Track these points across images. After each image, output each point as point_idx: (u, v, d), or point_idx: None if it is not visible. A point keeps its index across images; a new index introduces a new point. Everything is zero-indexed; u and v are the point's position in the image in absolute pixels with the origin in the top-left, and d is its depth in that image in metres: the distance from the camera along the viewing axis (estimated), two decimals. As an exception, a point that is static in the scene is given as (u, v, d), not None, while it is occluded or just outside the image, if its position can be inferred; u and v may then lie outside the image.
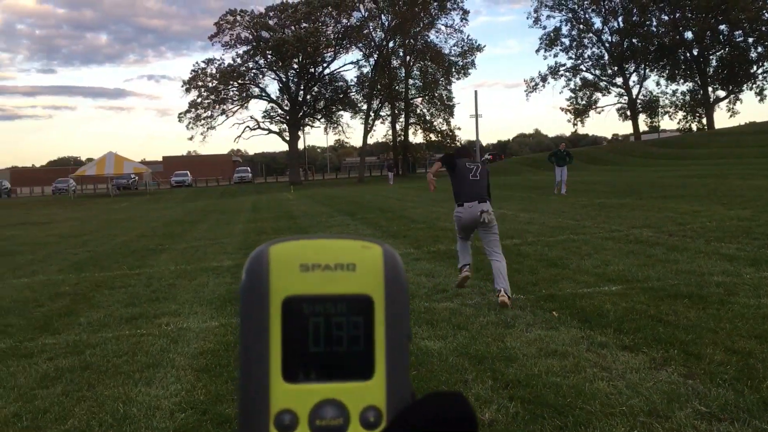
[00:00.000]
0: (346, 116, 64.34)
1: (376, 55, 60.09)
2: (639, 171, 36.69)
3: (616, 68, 69.51)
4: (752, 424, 3.46)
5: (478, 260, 8.98)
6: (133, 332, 6.15)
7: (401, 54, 62.30)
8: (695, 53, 66.68)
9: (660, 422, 3.54)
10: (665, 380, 4.14)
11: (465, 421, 0.40)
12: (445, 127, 63.05)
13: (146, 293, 8.06)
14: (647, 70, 69.77)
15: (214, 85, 57.83)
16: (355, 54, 79.28)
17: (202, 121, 58.42)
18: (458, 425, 0.40)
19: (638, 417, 3.62)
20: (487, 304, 6.47)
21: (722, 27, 64.62)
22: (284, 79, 60.39)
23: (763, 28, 61.37)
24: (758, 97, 67.16)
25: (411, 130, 64.59)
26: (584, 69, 70.69)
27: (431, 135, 63.51)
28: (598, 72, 70.82)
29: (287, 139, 61.51)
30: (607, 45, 69.38)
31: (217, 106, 58.53)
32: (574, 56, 70.39)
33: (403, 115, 63.64)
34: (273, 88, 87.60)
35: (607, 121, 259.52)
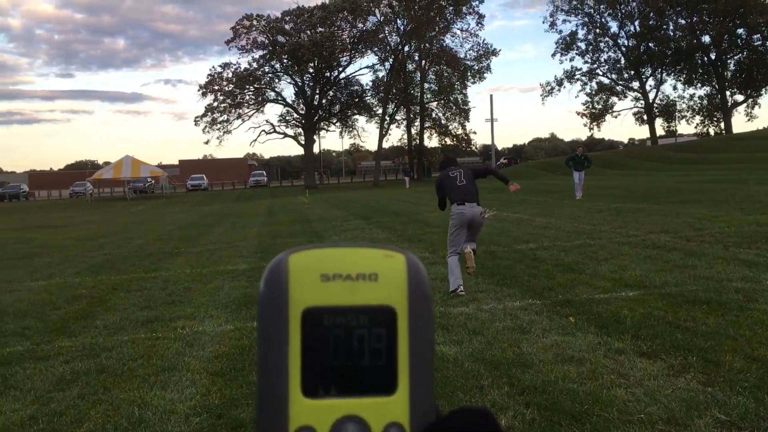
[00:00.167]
0: (361, 120, 64.77)
1: (391, 60, 60.16)
2: (656, 176, 36.42)
3: (632, 72, 69.11)
4: (774, 434, 3.40)
5: (494, 265, 8.94)
6: (149, 335, 6.17)
7: (416, 58, 62.37)
8: (713, 57, 66.16)
9: (679, 430, 3.49)
10: (684, 387, 4.09)
11: None
12: (460, 131, 63.04)
13: (162, 296, 8.09)
14: (664, 74, 69.34)
15: (230, 89, 58.16)
16: (370, 58, 79.63)
17: (218, 125, 58.77)
18: None
19: (657, 425, 3.57)
20: (503, 309, 6.43)
21: (740, 31, 64.08)
22: (300, 83, 60.61)
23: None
24: (777, 101, 66.48)
25: (426, 134, 64.64)
26: (600, 73, 70.39)
27: (446, 139, 63.46)
28: (614, 76, 70.46)
29: (303, 142, 61.69)
30: (623, 49, 69.03)
31: (233, 110, 58.86)
32: (590, 60, 70.11)
33: (418, 119, 63.66)
34: (289, 92, 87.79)
35: (623, 126, 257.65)
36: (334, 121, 64.22)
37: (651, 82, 69.90)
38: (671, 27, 67.23)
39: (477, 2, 61.12)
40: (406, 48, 61.10)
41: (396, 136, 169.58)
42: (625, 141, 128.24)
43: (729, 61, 66.41)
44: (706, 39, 65.72)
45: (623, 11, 67.44)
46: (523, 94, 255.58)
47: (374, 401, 0.40)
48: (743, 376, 4.20)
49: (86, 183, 61.69)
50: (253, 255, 11.61)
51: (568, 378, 4.37)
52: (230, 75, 58.27)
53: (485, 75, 63.46)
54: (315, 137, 64.23)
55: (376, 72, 62.94)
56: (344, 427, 0.39)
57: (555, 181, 37.03)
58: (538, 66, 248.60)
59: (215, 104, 58.22)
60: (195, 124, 59.81)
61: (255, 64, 58.97)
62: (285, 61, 58.32)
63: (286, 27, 58.33)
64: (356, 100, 62.54)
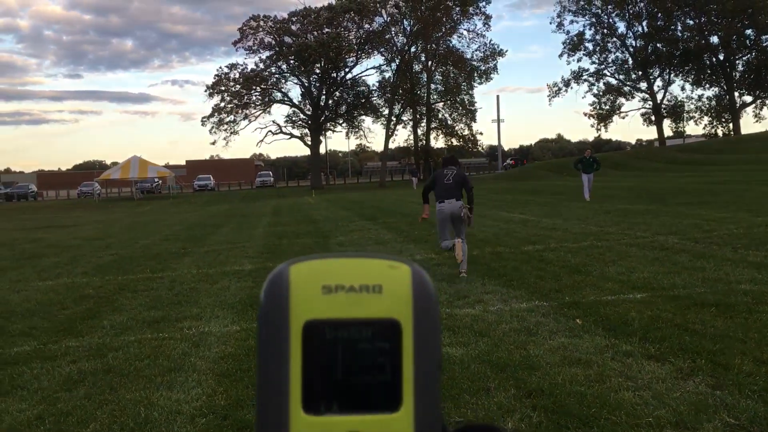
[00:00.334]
0: (367, 121, 64.49)
1: (398, 60, 60.14)
2: (663, 177, 36.28)
3: (640, 73, 68.84)
4: (783, 438, 3.37)
5: (500, 266, 8.92)
6: (155, 336, 6.17)
7: (423, 59, 62.31)
8: (721, 58, 65.86)
9: (687, 434, 3.47)
10: (692, 391, 4.06)
11: None
12: (466, 132, 62.93)
13: (168, 297, 8.10)
14: (672, 75, 69.02)
15: (237, 89, 58.26)
16: (377, 59, 79.62)
17: (225, 126, 58.89)
18: None
19: (665, 428, 3.55)
20: (509, 311, 6.41)
21: (749, 31, 63.75)
22: (306, 84, 60.68)
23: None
24: (786, 102, 66.20)
25: (432, 135, 64.53)
26: (608, 74, 70.10)
27: (453, 140, 63.36)
28: (622, 77, 70.18)
29: (309, 143, 61.75)
30: (631, 49, 68.78)
31: (240, 111, 58.96)
32: (597, 61, 69.84)
33: (424, 120, 63.59)
34: (295, 92, 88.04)
35: (631, 127, 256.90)
36: (341, 122, 64.23)
37: (659, 82, 69.67)
38: (679, 27, 66.96)
39: (484, 3, 60.97)
40: (413, 48, 61.09)
41: (402, 136, 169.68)
42: (633, 142, 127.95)
43: (737, 61, 66.08)
44: (715, 39, 65.45)
45: (631, 12, 67.21)
46: (530, 95, 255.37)
47: (378, 418, 0.38)
48: (752, 380, 4.17)
49: (94, 183, 61.96)
50: (260, 255, 11.61)
51: (575, 381, 4.35)
52: (237, 76, 58.41)
53: (492, 76, 63.30)
54: (321, 138, 64.31)
55: (382, 73, 62.98)
56: None
57: (562, 182, 36.93)
58: (545, 67, 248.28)
59: (222, 105, 58.35)
60: (202, 125, 60.02)
61: (262, 65, 59.08)
62: (291, 61, 58.41)
63: (293, 28, 58.42)
64: (363, 100, 62.54)
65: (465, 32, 65.58)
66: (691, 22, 65.85)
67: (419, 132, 64.09)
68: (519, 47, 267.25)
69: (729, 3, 59.21)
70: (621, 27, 69.62)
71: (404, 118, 63.43)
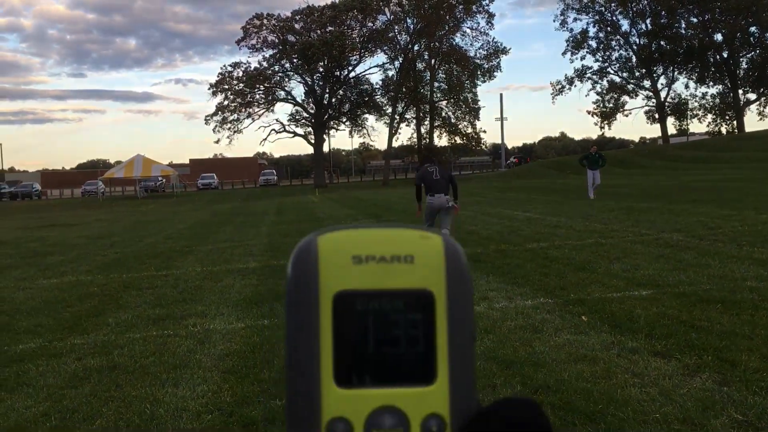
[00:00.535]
0: (371, 119, 64.56)
1: (401, 58, 60.06)
2: (667, 174, 36.20)
3: (644, 71, 68.69)
4: (791, 434, 3.36)
5: (505, 263, 8.91)
6: (161, 333, 6.17)
7: (426, 57, 62.22)
8: (725, 55, 65.68)
9: (695, 430, 3.46)
10: (699, 387, 4.05)
11: (540, 430, 0.36)
12: (470, 130, 62.82)
13: (173, 294, 8.10)
14: (676, 73, 68.84)
15: (240, 88, 58.28)
16: (380, 57, 79.54)
17: (229, 124, 58.91)
18: None
19: (672, 425, 3.53)
20: (514, 308, 6.39)
21: (752, 29, 63.57)
22: (310, 83, 60.65)
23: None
24: (790, 100, 66.01)
25: (436, 133, 64.45)
26: (611, 71, 69.99)
27: (456, 138, 63.27)
28: (625, 74, 70.04)
29: (312, 142, 61.75)
30: (634, 47, 68.62)
31: (244, 109, 58.98)
32: (601, 59, 69.70)
33: (428, 118, 63.53)
34: (299, 91, 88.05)
35: (634, 125, 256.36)
36: (344, 120, 64.19)
37: (662, 80, 69.50)
38: (683, 25, 66.78)
39: (487, 1, 60.86)
40: (416, 47, 60.97)
41: (406, 135, 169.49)
42: (636, 140, 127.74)
43: (741, 59, 65.90)
44: (718, 37, 65.27)
45: (634, 9, 67.07)
46: (533, 93, 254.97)
47: (412, 391, 0.37)
48: (759, 376, 4.15)
49: (98, 182, 62.09)
50: (264, 254, 11.62)
51: (581, 377, 4.33)
52: (241, 74, 58.42)
53: (495, 74, 63.18)
54: (325, 136, 64.34)
55: (385, 71, 62.85)
56: (381, 418, 0.37)
57: (565, 180, 36.88)
58: (549, 65, 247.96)
59: (226, 103, 58.37)
60: (205, 123, 60.02)
61: (265, 63, 59.09)
62: (295, 60, 58.37)
63: (296, 26, 58.43)
64: (366, 99, 62.48)
65: (468, 30, 65.30)
66: (695, 20, 65.70)
67: (422, 130, 64.04)
68: (522, 45, 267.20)
69: (733, 0, 59.05)
70: (624, 25, 69.37)
71: (407, 116, 63.38)
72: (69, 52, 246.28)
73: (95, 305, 7.70)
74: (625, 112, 70.66)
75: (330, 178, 72.29)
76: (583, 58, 78.27)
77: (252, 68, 58.59)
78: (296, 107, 62.04)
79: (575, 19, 75.97)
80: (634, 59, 69.00)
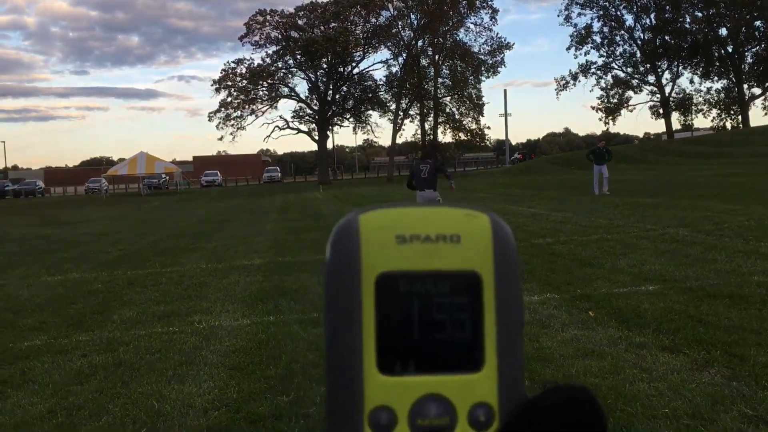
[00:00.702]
0: (374, 115, 64.31)
1: (404, 54, 60.00)
2: (672, 170, 36.09)
3: (648, 66, 68.47)
4: (802, 429, 3.33)
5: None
6: (166, 330, 6.17)
7: (430, 53, 62.12)
8: (730, 50, 65.45)
9: (705, 425, 3.43)
10: (708, 382, 4.02)
11: (594, 420, 0.34)
12: (474, 126, 62.75)
13: (178, 291, 8.10)
14: (680, 68, 68.64)
15: (243, 85, 58.29)
16: (383, 53, 79.47)
17: (232, 121, 58.97)
18: (586, 426, 0.33)
19: (682, 420, 3.51)
20: (520, 303, 6.36)
21: (758, 23, 63.34)
22: (313, 79, 60.65)
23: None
24: (795, 94, 65.78)
25: (440, 130, 64.38)
26: (616, 67, 69.79)
27: (460, 134, 63.20)
28: (630, 70, 69.84)
29: (316, 138, 61.76)
30: (639, 42, 68.39)
31: (247, 106, 59.01)
32: (605, 54, 69.51)
33: (432, 114, 63.45)
34: (302, 87, 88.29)
35: (638, 120, 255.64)
36: (348, 117, 64.19)
37: (667, 75, 69.30)
38: (687, 20, 66.53)
39: (490, -4, 60.77)
40: (420, 43, 60.92)
41: (410, 131, 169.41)
42: (641, 135, 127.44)
43: (746, 53, 65.68)
44: (723, 31, 65.03)
45: (639, 4, 66.85)
46: (537, 89, 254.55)
47: (459, 379, 0.35)
48: (769, 371, 4.12)
49: (101, 179, 62.21)
50: (268, 250, 11.61)
51: (589, 372, 4.31)
52: (244, 71, 58.42)
53: (499, 69, 63.03)
54: (328, 133, 64.36)
55: (389, 67, 62.84)
56: (426, 407, 0.35)
57: (570, 176, 36.81)
58: (553, 60, 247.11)
59: (229, 100, 58.42)
60: (209, 120, 60.13)
61: (268, 60, 59.10)
62: (298, 56, 58.37)
63: (300, 22, 58.41)
64: (370, 95, 62.46)
65: (472, 26, 65.14)
66: (700, 14, 65.45)
67: (427, 126, 63.99)
68: (526, 41, 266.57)
69: (738, -6, 58.84)
70: (629, 19, 69.17)
71: (411, 112, 63.34)
72: (72, 50, 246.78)
73: (100, 302, 7.70)
74: (630, 108, 70.48)
75: (334, 174, 72.29)
76: (587, 54, 78.31)
77: (255, 65, 58.66)
78: (300, 104, 62.12)
79: (579, 14, 75.79)
80: (638, 54, 68.80)
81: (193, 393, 4.40)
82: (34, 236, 17.52)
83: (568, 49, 69.77)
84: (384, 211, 0.36)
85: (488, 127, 66.41)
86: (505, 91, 56.12)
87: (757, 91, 67.27)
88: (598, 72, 69.22)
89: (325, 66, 59.60)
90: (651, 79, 69.28)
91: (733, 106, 68.14)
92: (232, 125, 59.11)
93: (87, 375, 4.94)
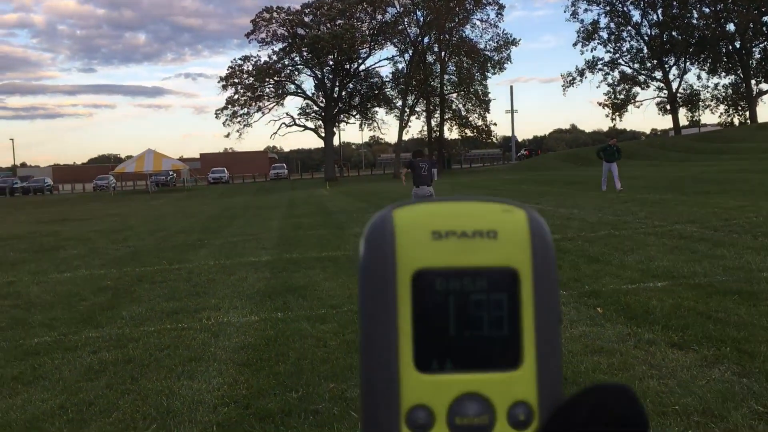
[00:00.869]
0: (381, 112, 64.32)
1: (411, 51, 59.91)
2: (680, 166, 35.94)
3: (655, 62, 68.15)
4: (813, 426, 3.32)
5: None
6: (175, 326, 6.19)
7: (436, 49, 62.04)
8: (737, 45, 65.07)
9: (715, 422, 3.42)
10: (718, 379, 4.01)
11: (636, 420, 0.33)
12: (480, 123, 62.66)
13: (186, 288, 8.12)
14: (687, 64, 68.27)
15: (250, 82, 58.32)
16: (390, 50, 79.38)
17: (239, 118, 59.04)
18: (627, 427, 0.33)
19: (692, 416, 3.50)
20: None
21: (766, 18, 62.90)
22: (319, 76, 60.64)
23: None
24: (804, 90, 65.36)
25: (446, 126, 64.32)
26: (623, 63, 69.49)
27: (467, 131, 63.15)
28: (636, 66, 69.50)
29: (323, 135, 61.76)
30: (646, 38, 68.09)
31: (254, 103, 59.07)
32: (612, 50, 69.22)
33: (438, 111, 63.36)
34: (308, 84, 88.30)
35: (645, 116, 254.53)
36: (354, 114, 64.16)
37: (674, 71, 68.92)
38: (695, 15, 66.16)
39: (496, -8, 60.57)
40: (426, 39, 60.81)
41: (416, 128, 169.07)
42: (648, 132, 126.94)
43: (754, 49, 65.27)
44: (731, 27, 64.64)
45: (646, 0, 66.52)
46: (544, 85, 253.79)
47: (497, 377, 0.35)
48: (779, 368, 4.10)
49: (109, 177, 62.39)
50: (276, 247, 11.62)
51: (598, 369, 4.30)
52: (250, 68, 58.47)
53: (505, 66, 62.95)
54: (335, 130, 64.31)
55: (395, 64, 62.82)
56: (464, 406, 0.34)
57: (576, 173, 36.71)
58: (559, 56, 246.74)
59: (236, 97, 58.50)
60: (216, 117, 60.20)
61: (275, 57, 59.11)
62: (305, 53, 58.36)
63: (306, 19, 58.36)
64: (376, 92, 62.42)
65: (478, 22, 65.09)
66: (707, 10, 65.06)
67: (433, 123, 63.91)
68: (532, 37, 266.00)
69: (745, -10, 58.48)
70: (636, 15, 68.85)
71: (418, 109, 63.28)
72: (79, 48, 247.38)
73: (109, 299, 7.73)
74: (637, 104, 70.22)
75: (340, 171, 72.25)
76: (594, 50, 77.90)
77: (262, 62, 58.65)
78: (306, 101, 62.11)
79: (586, 10, 75.18)
80: (645, 50, 68.49)
81: (203, 389, 4.41)
82: (43, 233, 17.58)
83: (575, 45, 69.55)
84: (419, 206, 0.36)
85: (494, 124, 66.23)
86: (511, 87, 56.13)
87: (764, 86, 67.00)
88: (605, 68, 69.00)
89: (331, 63, 59.60)
90: (658, 75, 68.99)
91: (740, 102, 67.78)
92: (239, 122, 59.23)
93: (97, 371, 4.96)
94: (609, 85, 69.57)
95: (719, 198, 15.00)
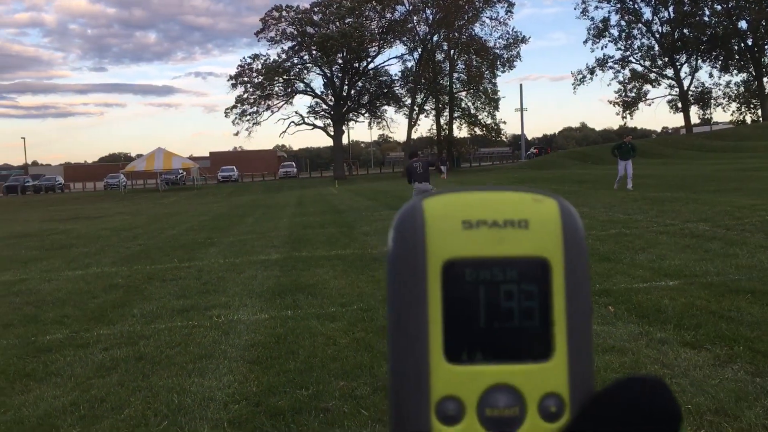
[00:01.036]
0: (390, 111, 64.38)
1: (420, 49, 59.86)
2: (691, 164, 35.75)
3: (666, 59, 67.81)
4: (828, 426, 3.29)
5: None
6: (185, 324, 6.20)
7: (445, 47, 61.95)
8: (749, 43, 64.64)
9: (729, 422, 3.40)
10: (731, 378, 3.98)
11: (669, 414, 0.33)
12: (489, 121, 62.53)
13: (197, 286, 8.14)
14: (699, 61, 67.92)
15: (259, 80, 58.45)
16: (399, 48, 79.36)
17: (248, 117, 59.21)
18: (660, 419, 0.32)
19: (705, 416, 3.48)
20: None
21: (778, 15, 62.47)
22: (329, 75, 60.69)
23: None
24: (817, 88, 64.83)
25: (455, 124, 64.21)
26: (633, 60, 69.19)
27: (476, 129, 63.02)
28: (647, 63, 69.21)
29: (332, 134, 61.82)
30: (657, 35, 67.73)
31: (263, 102, 59.20)
32: (623, 47, 68.94)
33: (447, 109, 63.27)
34: (318, 83, 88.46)
35: (656, 114, 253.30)
36: (363, 112, 64.19)
37: (686, 69, 68.59)
38: (707, 12, 65.79)
39: (506, -10, 60.42)
40: (435, 37, 60.74)
41: (425, 126, 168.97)
42: (659, 130, 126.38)
43: (766, 46, 64.81)
44: (743, 24, 64.25)
45: (657, -3, 66.19)
46: (553, 83, 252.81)
47: (528, 368, 0.34)
48: (793, 367, 4.07)
49: (120, 175, 62.66)
50: (285, 245, 11.64)
51: (610, 368, 4.28)
52: (260, 67, 58.57)
53: (515, 63, 62.80)
54: (344, 128, 64.35)
55: (404, 62, 62.91)
56: (495, 397, 0.34)
57: (586, 171, 36.58)
58: (569, 54, 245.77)
59: (245, 96, 58.63)
60: (225, 116, 60.42)
61: (284, 56, 59.20)
62: (314, 52, 58.43)
63: (315, 18, 58.42)
64: (385, 90, 62.42)
65: (487, 20, 64.95)
66: (719, 7, 64.67)
67: (442, 121, 63.82)
68: (542, 35, 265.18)
69: (758, -13, 58.07)
70: (647, 12, 68.81)
71: (427, 107, 63.23)
72: (90, 47, 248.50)
73: (120, 296, 7.76)
74: (648, 102, 69.88)
75: (349, 170, 72.28)
76: (604, 47, 77.55)
77: (271, 60, 58.76)
78: (315, 99, 62.22)
79: (597, 7, 74.88)
80: (656, 48, 68.15)
81: (213, 386, 4.42)
82: (54, 231, 17.69)
83: (585, 42, 69.34)
84: (449, 196, 0.36)
85: (504, 122, 66.09)
86: (521, 85, 56.07)
87: (777, 84, 66.43)
88: (616, 66, 68.74)
89: (340, 61, 59.63)
90: (669, 72, 68.64)
91: (752, 100, 67.36)
92: (248, 121, 59.41)
93: (108, 368, 4.98)
94: (620, 83, 69.39)
95: (731, 196, 14.91)
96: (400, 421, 0.34)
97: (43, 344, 5.76)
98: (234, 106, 58.93)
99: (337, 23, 57.37)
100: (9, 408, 4.27)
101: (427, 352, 0.34)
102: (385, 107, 64.03)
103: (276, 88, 59.88)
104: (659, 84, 69.43)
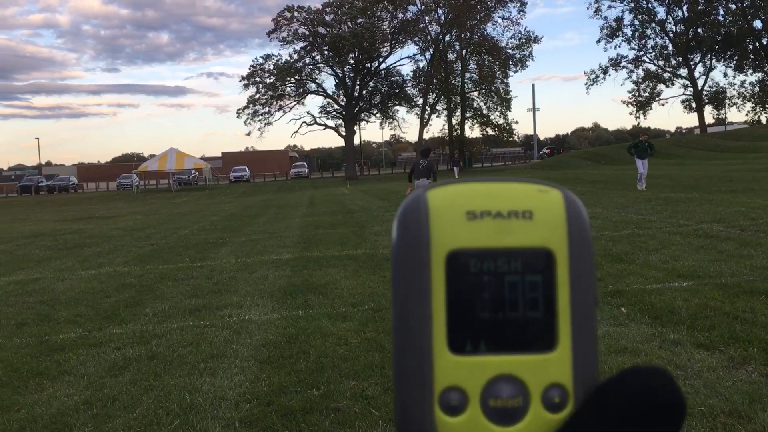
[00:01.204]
0: (401, 111, 64.54)
1: (432, 49, 59.80)
2: (705, 164, 35.50)
3: (680, 59, 67.38)
4: (844, 429, 3.25)
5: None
6: (197, 323, 6.23)
7: (457, 47, 61.85)
8: (764, 42, 64.09)
9: (742, 424, 3.36)
10: (745, 380, 3.94)
11: (673, 404, 0.32)
12: (501, 121, 62.36)
13: (209, 285, 8.17)
14: (713, 61, 67.43)
15: (271, 81, 58.59)
16: (410, 48, 79.34)
17: (260, 117, 59.36)
18: (665, 410, 0.32)
19: (718, 418, 3.45)
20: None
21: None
22: (340, 75, 60.74)
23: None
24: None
25: (467, 124, 64.08)
26: (647, 60, 68.80)
27: (488, 129, 62.86)
28: (661, 63, 68.82)
29: (343, 134, 61.87)
30: (671, 35, 67.31)
31: (275, 102, 59.33)
32: (636, 47, 68.59)
33: (459, 109, 63.17)
34: (329, 83, 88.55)
35: (670, 114, 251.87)
36: (375, 112, 64.18)
37: (700, 68, 68.15)
38: (721, 12, 65.32)
39: (519, -10, 60.26)
40: (447, 37, 60.67)
41: (437, 126, 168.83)
42: (672, 130, 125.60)
43: (781, 46, 64.29)
44: (758, 24, 63.73)
45: (670, -4, 65.78)
46: (566, 83, 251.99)
47: (532, 359, 0.34)
48: (808, 369, 4.03)
49: (132, 175, 63.04)
50: (297, 245, 11.66)
51: (622, 369, 4.25)
52: (272, 67, 58.73)
53: (527, 63, 62.70)
54: (355, 128, 64.40)
55: (416, 62, 62.82)
56: (498, 388, 0.34)
57: (599, 171, 36.40)
58: (581, 54, 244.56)
59: (257, 96, 58.80)
60: (237, 116, 60.58)
61: (296, 56, 59.33)
62: (326, 52, 58.52)
63: (327, 18, 58.50)
64: (397, 90, 62.40)
65: (499, 20, 64.78)
66: (734, 6, 64.18)
67: (454, 121, 63.73)
68: (554, 35, 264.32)
69: (773, -15, 57.60)
70: (660, 12, 68.31)
71: (438, 107, 63.15)
72: (103, 47, 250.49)
73: (133, 296, 7.80)
74: (661, 102, 69.49)
75: (361, 170, 72.31)
76: (617, 47, 77.18)
77: (283, 61, 58.88)
78: (327, 99, 62.28)
79: (610, 7, 74.99)
80: (670, 47, 67.75)
81: (225, 386, 4.43)
82: (68, 231, 17.81)
83: (598, 42, 69.07)
84: (453, 186, 0.35)
85: (516, 122, 65.94)
86: (533, 85, 55.95)
87: (793, 84, 65.86)
88: (629, 65, 68.39)
89: (352, 62, 59.67)
90: (683, 72, 68.25)
91: (767, 100, 66.77)
92: (260, 121, 59.56)
93: (121, 367, 5.01)
94: (633, 82, 69.03)
95: (746, 197, 14.79)
96: (403, 411, 0.34)
97: (56, 343, 5.80)
98: (246, 107, 59.14)
99: (349, 23, 57.42)
100: (23, 406, 4.31)
101: (431, 343, 0.34)
102: (397, 107, 64.03)
103: (288, 89, 60.01)
104: (673, 84, 69.06)
